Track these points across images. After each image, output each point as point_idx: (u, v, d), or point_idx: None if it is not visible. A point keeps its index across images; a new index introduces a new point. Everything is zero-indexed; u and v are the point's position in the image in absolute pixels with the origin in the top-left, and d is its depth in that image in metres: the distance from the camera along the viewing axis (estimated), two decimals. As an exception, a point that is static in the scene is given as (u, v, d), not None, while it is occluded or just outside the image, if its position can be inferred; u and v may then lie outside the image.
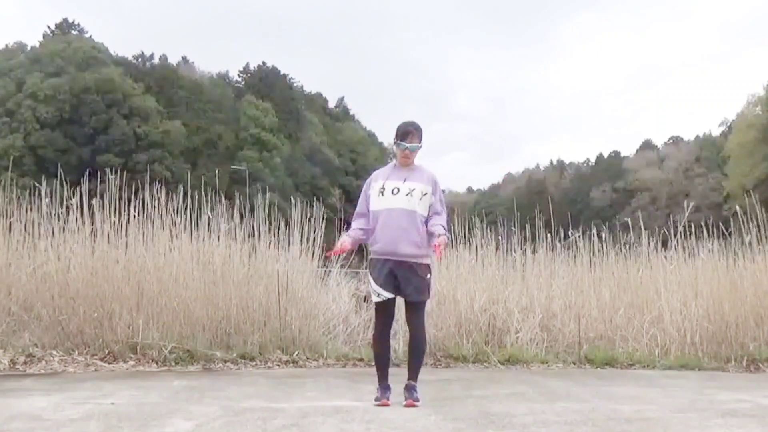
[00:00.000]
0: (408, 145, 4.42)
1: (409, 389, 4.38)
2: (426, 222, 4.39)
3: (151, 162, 45.36)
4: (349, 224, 4.72)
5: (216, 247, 7.10)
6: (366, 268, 5.11)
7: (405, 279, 4.32)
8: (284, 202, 7.57)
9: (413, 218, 4.34)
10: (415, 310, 4.38)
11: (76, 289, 6.55)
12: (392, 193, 4.37)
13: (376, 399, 4.37)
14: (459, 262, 7.68)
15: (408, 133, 4.45)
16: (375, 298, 4.35)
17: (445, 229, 4.36)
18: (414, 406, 4.27)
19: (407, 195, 4.36)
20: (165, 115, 52.69)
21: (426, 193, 4.40)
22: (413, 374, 4.43)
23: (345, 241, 4.50)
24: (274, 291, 6.83)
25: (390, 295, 4.31)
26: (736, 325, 7.13)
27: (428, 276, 4.42)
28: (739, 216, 7.61)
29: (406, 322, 4.35)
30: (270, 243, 7.28)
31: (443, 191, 4.64)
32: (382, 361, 4.45)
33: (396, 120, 4.49)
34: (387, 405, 4.29)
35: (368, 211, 4.48)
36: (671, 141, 73.11)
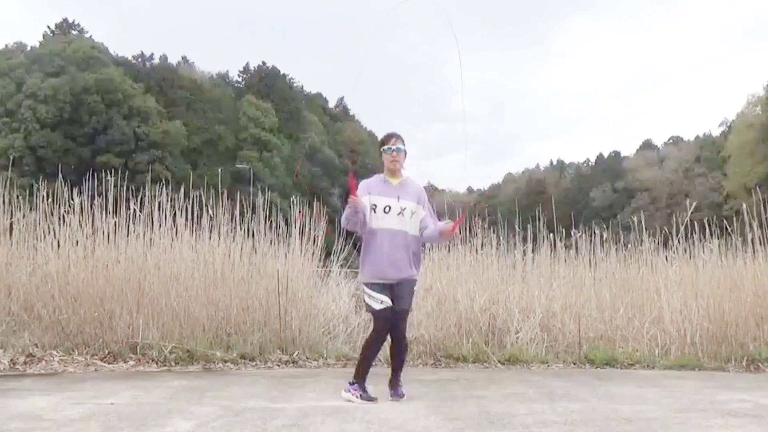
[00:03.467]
0: (394, 147, 4.54)
1: (395, 386, 4.60)
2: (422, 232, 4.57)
3: (151, 162, 45.35)
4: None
5: (216, 246, 7.10)
6: None
7: (395, 292, 4.46)
8: (284, 202, 7.57)
9: (404, 239, 4.49)
10: (401, 318, 4.53)
11: (76, 289, 6.56)
12: (384, 211, 4.48)
13: (363, 397, 4.44)
14: (459, 262, 7.68)
15: (389, 137, 4.60)
16: (378, 306, 4.43)
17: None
18: (399, 400, 4.51)
19: (399, 214, 4.48)
20: (165, 115, 52.64)
21: (415, 212, 4.54)
22: (398, 373, 4.65)
23: (360, 202, 4.40)
24: (274, 291, 6.83)
25: (390, 303, 4.44)
26: (736, 325, 7.13)
27: (414, 288, 4.61)
28: (744, 214, 7.60)
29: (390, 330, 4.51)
30: (270, 242, 7.28)
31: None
32: (370, 364, 4.59)
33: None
34: (375, 400, 4.44)
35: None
36: (671, 141, 73.05)
